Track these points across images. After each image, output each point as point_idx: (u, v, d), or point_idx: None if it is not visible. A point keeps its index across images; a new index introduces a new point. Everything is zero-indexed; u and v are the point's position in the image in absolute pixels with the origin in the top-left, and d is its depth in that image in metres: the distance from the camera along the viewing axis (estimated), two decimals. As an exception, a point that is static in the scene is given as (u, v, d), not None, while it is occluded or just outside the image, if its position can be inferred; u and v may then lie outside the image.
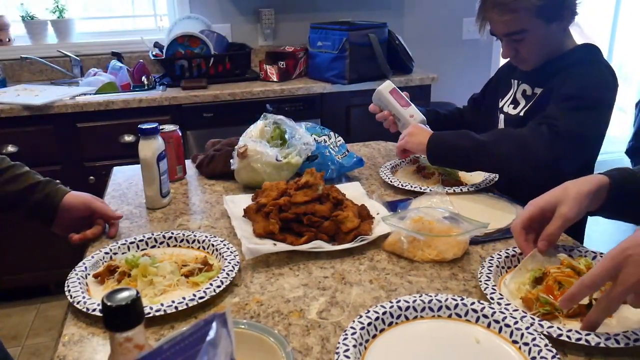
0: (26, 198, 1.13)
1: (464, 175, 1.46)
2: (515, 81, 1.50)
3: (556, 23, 1.34)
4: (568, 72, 1.34)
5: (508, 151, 1.26)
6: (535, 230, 0.96)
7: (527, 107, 1.43)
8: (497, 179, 1.41)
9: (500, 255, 1.01)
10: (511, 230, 0.98)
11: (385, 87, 1.53)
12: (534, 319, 0.81)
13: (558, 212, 0.91)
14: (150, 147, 1.28)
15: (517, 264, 0.99)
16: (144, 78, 2.83)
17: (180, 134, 1.47)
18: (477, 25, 1.43)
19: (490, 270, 0.95)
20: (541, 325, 0.80)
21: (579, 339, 0.77)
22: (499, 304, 0.86)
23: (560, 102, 1.29)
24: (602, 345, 0.76)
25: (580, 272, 0.89)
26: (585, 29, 4.41)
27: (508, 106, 1.51)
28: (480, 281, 0.92)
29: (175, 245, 1.11)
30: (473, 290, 0.94)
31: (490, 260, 0.99)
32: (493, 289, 0.90)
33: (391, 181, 1.40)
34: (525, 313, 0.83)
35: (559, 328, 0.79)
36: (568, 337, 0.78)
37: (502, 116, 1.52)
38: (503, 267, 0.99)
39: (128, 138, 2.50)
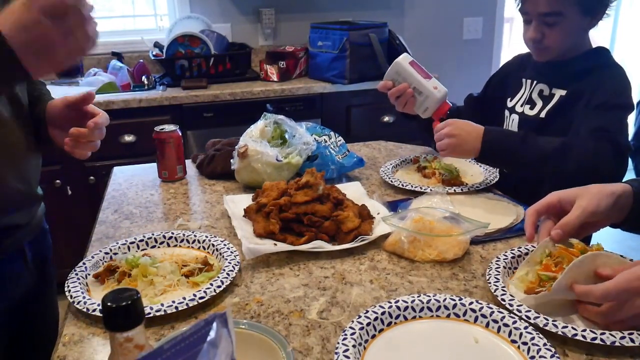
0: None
1: (464, 175, 1.46)
2: (528, 80, 1.47)
3: (589, 18, 1.34)
4: (597, 76, 1.33)
5: (573, 168, 1.22)
6: (551, 220, 0.93)
7: (547, 109, 1.40)
8: (497, 179, 1.41)
9: (506, 255, 1.00)
10: (525, 213, 0.96)
11: (404, 59, 1.42)
12: (547, 319, 0.80)
13: (577, 203, 0.89)
14: None
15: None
16: (144, 78, 2.83)
17: (180, 134, 1.48)
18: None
19: (499, 272, 0.94)
20: (546, 320, 0.80)
21: (575, 335, 0.77)
22: (510, 305, 0.84)
23: (607, 110, 1.27)
24: (598, 341, 0.76)
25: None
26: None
27: (522, 106, 1.47)
28: (490, 283, 0.91)
29: (175, 245, 1.11)
30: (474, 290, 0.95)
31: (497, 261, 0.98)
32: (503, 290, 0.89)
33: (392, 181, 1.40)
34: (539, 314, 0.82)
35: (555, 324, 0.79)
36: (565, 332, 0.78)
37: (515, 116, 1.48)
38: (510, 268, 0.98)
39: (128, 138, 2.50)
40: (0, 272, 1.01)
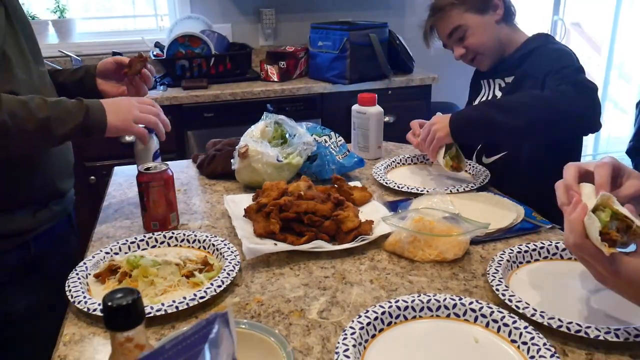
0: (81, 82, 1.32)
1: (459, 175, 1.47)
2: (485, 81, 1.58)
3: (490, 14, 1.47)
4: (537, 54, 1.41)
5: (544, 115, 1.23)
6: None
7: (500, 96, 1.50)
8: (489, 177, 1.41)
9: (512, 250, 1.02)
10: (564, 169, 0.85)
11: None
12: (543, 315, 0.81)
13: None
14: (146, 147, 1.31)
15: (531, 259, 1.02)
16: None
17: (172, 174, 1.17)
18: (424, 38, 1.59)
19: (500, 264, 0.96)
20: (542, 316, 0.80)
21: (579, 331, 0.78)
22: (510, 300, 0.85)
23: (557, 73, 1.31)
24: (601, 338, 0.76)
25: None
26: (585, 28, 4.41)
27: None
28: (488, 273, 0.93)
29: (175, 245, 1.11)
30: (474, 290, 0.95)
31: (500, 260, 0.99)
32: (500, 281, 0.91)
33: (386, 183, 1.39)
34: (535, 310, 0.82)
35: (560, 319, 0.79)
36: (568, 328, 0.78)
37: None
38: (514, 262, 1.00)
39: (129, 138, 2.50)
40: (55, 235, 1.19)
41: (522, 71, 1.45)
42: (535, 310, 0.82)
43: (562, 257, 1.03)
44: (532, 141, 1.43)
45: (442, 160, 1.38)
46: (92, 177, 2.50)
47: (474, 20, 1.47)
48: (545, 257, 1.03)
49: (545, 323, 0.80)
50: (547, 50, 1.43)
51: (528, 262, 1.02)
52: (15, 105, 0.98)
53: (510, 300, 0.85)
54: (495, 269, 0.95)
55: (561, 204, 0.81)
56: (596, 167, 0.81)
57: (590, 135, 4.46)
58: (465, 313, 0.85)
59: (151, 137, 1.28)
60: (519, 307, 0.84)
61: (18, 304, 1.12)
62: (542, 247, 1.04)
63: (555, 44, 1.46)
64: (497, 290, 0.89)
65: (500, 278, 0.92)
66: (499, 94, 1.53)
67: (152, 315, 0.84)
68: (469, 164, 1.51)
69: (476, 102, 1.61)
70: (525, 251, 1.03)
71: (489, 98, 1.55)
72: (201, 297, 0.89)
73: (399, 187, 1.37)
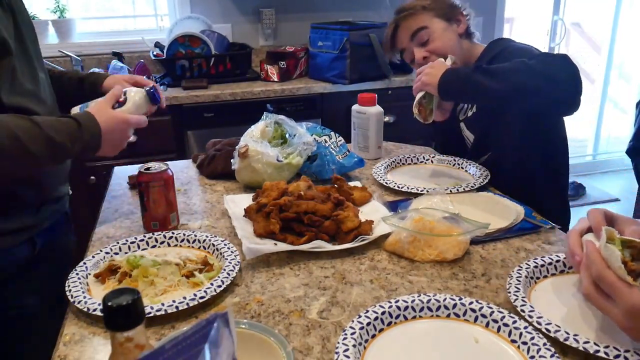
0: (82, 85, 1.35)
1: (460, 175, 1.47)
2: None
3: (454, 23, 1.51)
4: (502, 58, 1.41)
5: (531, 81, 1.23)
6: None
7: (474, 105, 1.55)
8: (489, 177, 1.42)
9: (529, 265, 0.97)
10: (568, 236, 0.86)
11: None
12: (567, 334, 0.77)
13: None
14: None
15: (547, 274, 0.97)
16: (144, 78, 2.83)
17: (172, 174, 1.18)
18: (385, 47, 1.61)
19: (520, 281, 0.91)
20: (539, 323, 0.80)
21: (597, 352, 0.74)
22: (530, 316, 0.81)
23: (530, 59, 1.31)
24: (601, 353, 0.74)
25: None
26: (585, 28, 4.41)
27: (465, 113, 1.60)
28: (509, 292, 0.88)
29: (175, 245, 1.11)
30: (474, 290, 0.95)
31: (519, 270, 0.95)
32: (523, 300, 0.86)
33: (386, 183, 1.40)
34: (559, 328, 0.79)
35: (557, 325, 0.79)
36: (606, 354, 0.74)
37: (462, 124, 1.61)
38: (532, 278, 0.95)
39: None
40: (55, 230, 1.23)
41: None
42: (568, 334, 0.77)
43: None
44: (516, 109, 1.42)
45: (416, 101, 1.37)
46: (92, 177, 2.50)
47: (441, 25, 1.50)
48: (562, 271, 0.98)
49: (581, 348, 0.75)
50: (507, 53, 1.43)
51: (545, 276, 0.97)
52: (7, 134, 0.97)
53: (540, 323, 0.80)
54: (516, 287, 0.90)
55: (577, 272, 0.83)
56: (589, 214, 0.85)
57: (590, 135, 4.48)
58: (465, 313, 0.85)
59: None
60: (549, 331, 0.78)
61: (28, 299, 1.16)
62: (557, 261, 0.99)
63: (515, 44, 1.48)
64: (523, 312, 0.83)
65: (523, 297, 0.87)
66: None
67: (152, 315, 0.84)
68: (469, 164, 1.51)
69: (457, 112, 1.63)
70: (549, 263, 0.98)
71: (467, 106, 1.59)
72: (201, 297, 0.89)
73: (399, 187, 1.37)
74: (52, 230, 1.22)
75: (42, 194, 1.17)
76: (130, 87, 1.26)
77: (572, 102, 1.24)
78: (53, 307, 1.08)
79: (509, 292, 0.89)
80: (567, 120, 1.47)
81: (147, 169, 1.15)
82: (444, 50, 1.49)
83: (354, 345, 0.76)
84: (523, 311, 0.83)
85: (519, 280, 0.92)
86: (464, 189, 1.35)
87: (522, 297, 0.87)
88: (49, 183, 1.20)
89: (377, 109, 1.62)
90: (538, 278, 0.96)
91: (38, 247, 1.17)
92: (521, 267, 0.96)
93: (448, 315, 0.85)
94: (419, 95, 1.38)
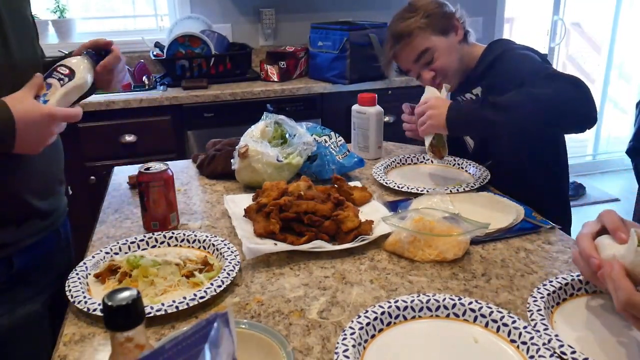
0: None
1: (459, 175, 1.47)
2: (459, 97, 1.58)
3: (452, 34, 1.49)
4: (499, 64, 1.43)
5: (542, 114, 1.22)
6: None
7: None
8: (489, 177, 1.42)
9: (553, 285, 0.90)
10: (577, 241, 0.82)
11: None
12: None
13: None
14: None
15: (568, 295, 0.90)
16: (144, 78, 2.83)
17: (172, 174, 1.17)
18: (385, 68, 1.58)
19: (540, 306, 0.85)
20: (538, 331, 0.80)
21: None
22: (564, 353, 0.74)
23: (533, 78, 1.29)
24: None
25: None
26: (585, 28, 4.41)
27: None
28: (531, 311, 0.83)
29: (175, 245, 1.11)
30: (474, 290, 0.95)
31: (539, 289, 0.89)
32: (543, 323, 0.80)
33: (386, 183, 1.40)
34: (574, 348, 0.74)
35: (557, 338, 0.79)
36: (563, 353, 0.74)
37: None
38: (551, 304, 0.88)
39: (129, 138, 2.50)
40: (41, 249, 1.15)
41: (487, 81, 1.47)
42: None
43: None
44: (529, 138, 1.43)
45: (427, 146, 1.38)
46: (92, 177, 2.50)
47: (441, 42, 1.47)
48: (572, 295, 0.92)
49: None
50: (507, 58, 1.43)
51: (564, 299, 0.90)
52: None
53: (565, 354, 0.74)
54: (539, 313, 0.83)
55: (588, 278, 0.80)
56: (602, 217, 0.81)
57: (590, 135, 4.48)
58: (464, 313, 0.85)
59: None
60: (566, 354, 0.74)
61: (2, 318, 1.07)
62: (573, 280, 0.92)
63: (514, 50, 1.45)
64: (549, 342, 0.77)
65: (545, 327, 0.80)
66: None
67: (152, 315, 0.84)
68: (469, 164, 1.51)
69: None
70: (566, 284, 0.91)
71: None
72: (201, 297, 0.89)
73: (399, 187, 1.37)
74: (37, 250, 1.13)
75: (22, 209, 1.07)
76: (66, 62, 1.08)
77: (586, 125, 1.26)
78: (29, 332, 1.03)
79: (533, 320, 0.82)
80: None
81: (147, 169, 1.15)
82: (449, 66, 1.49)
83: (354, 346, 0.76)
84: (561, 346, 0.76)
85: (542, 300, 0.86)
86: (464, 189, 1.35)
87: (542, 320, 0.81)
88: (30, 197, 1.08)
89: (377, 109, 1.62)
90: (558, 303, 0.89)
91: (16, 267, 1.08)
92: (544, 287, 0.90)
93: (447, 315, 0.85)
94: (428, 139, 1.36)
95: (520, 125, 1.27)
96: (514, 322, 0.80)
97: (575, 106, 1.22)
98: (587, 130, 1.27)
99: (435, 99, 1.34)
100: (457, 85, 1.56)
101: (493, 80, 1.44)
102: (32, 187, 1.09)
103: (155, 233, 1.12)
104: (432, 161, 1.58)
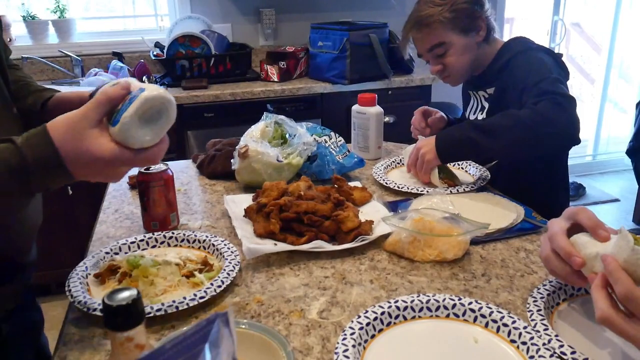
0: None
1: (460, 175, 1.47)
2: (471, 92, 1.59)
3: (473, 34, 1.47)
4: (513, 66, 1.43)
5: (519, 137, 1.24)
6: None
7: (487, 109, 1.53)
8: (489, 177, 1.42)
9: (553, 285, 0.89)
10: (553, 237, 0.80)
11: None
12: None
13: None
14: None
15: (568, 295, 0.89)
16: (144, 78, 2.83)
17: (172, 174, 1.17)
18: (401, 47, 1.58)
19: (540, 307, 0.85)
20: (538, 331, 0.80)
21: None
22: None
23: (533, 87, 1.31)
24: None
25: None
26: (585, 28, 4.41)
27: (475, 113, 1.59)
28: (531, 311, 0.83)
29: (175, 245, 1.11)
30: (473, 290, 0.95)
31: (539, 289, 0.89)
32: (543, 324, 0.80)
33: (386, 183, 1.40)
34: (574, 349, 0.74)
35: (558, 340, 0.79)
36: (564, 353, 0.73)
37: None
38: (549, 308, 0.87)
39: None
40: (22, 313, 1.02)
41: (501, 83, 1.47)
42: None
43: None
44: (516, 159, 1.46)
45: (437, 181, 1.37)
46: (92, 177, 2.50)
47: (458, 41, 1.47)
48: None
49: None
50: (521, 61, 1.42)
51: (564, 299, 0.90)
52: None
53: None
54: (539, 314, 0.82)
55: (564, 277, 0.79)
56: (576, 215, 0.79)
57: (590, 135, 4.48)
58: (464, 313, 0.85)
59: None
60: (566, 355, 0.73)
61: None
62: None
63: (529, 52, 1.44)
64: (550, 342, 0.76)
65: (546, 329, 0.79)
66: (486, 104, 1.55)
67: (152, 315, 0.84)
68: (469, 164, 1.52)
69: (467, 112, 1.65)
70: (559, 288, 0.90)
71: (478, 108, 1.58)
72: (201, 297, 0.89)
73: (399, 187, 1.37)
74: (21, 309, 1.01)
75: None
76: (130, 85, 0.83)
77: (570, 144, 1.30)
78: None
79: (530, 311, 0.83)
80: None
81: (147, 169, 1.14)
82: (459, 65, 1.49)
83: (354, 346, 0.76)
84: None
85: (537, 306, 0.85)
86: (464, 189, 1.35)
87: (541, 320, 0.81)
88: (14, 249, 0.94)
89: (377, 109, 1.62)
90: (557, 304, 0.89)
91: (5, 333, 0.96)
92: (540, 290, 0.89)
93: (447, 316, 0.85)
94: (435, 176, 1.37)
95: (506, 150, 1.29)
96: (514, 322, 0.80)
97: (556, 128, 1.22)
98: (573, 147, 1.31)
99: (421, 140, 1.39)
100: (470, 79, 1.56)
101: (505, 82, 1.45)
102: (23, 233, 0.95)
103: (155, 233, 1.12)
104: (424, 183, 1.51)
